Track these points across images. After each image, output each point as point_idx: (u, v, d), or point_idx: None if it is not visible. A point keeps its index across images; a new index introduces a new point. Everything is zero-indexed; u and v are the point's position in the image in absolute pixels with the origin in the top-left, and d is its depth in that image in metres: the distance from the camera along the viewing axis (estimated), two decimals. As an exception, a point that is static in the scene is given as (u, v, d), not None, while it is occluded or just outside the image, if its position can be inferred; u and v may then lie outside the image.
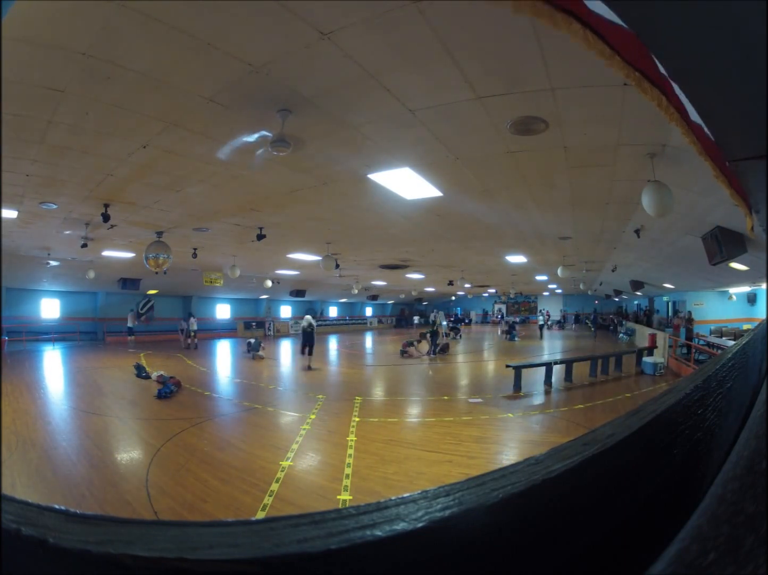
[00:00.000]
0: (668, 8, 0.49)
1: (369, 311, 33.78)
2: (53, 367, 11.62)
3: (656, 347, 11.61)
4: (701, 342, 12.24)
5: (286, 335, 23.63)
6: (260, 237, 7.55)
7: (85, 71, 2.74)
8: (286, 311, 27.09)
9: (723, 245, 5.58)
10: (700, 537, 0.23)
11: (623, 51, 0.78)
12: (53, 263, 11.58)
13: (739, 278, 9.62)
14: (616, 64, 0.77)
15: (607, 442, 0.39)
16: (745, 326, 13.30)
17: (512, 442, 5.32)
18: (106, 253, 10.20)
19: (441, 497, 0.32)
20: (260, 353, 13.47)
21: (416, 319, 29.51)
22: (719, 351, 8.08)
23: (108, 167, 4.54)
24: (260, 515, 3.30)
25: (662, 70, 0.84)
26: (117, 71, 2.75)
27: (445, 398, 7.75)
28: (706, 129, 1.04)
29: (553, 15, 0.67)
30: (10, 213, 6.29)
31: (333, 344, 19.55)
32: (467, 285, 21.09)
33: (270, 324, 23.22)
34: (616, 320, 24.93)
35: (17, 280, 14.05)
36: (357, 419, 6.13)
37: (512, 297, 30.26)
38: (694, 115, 0.99)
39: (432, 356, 13.65)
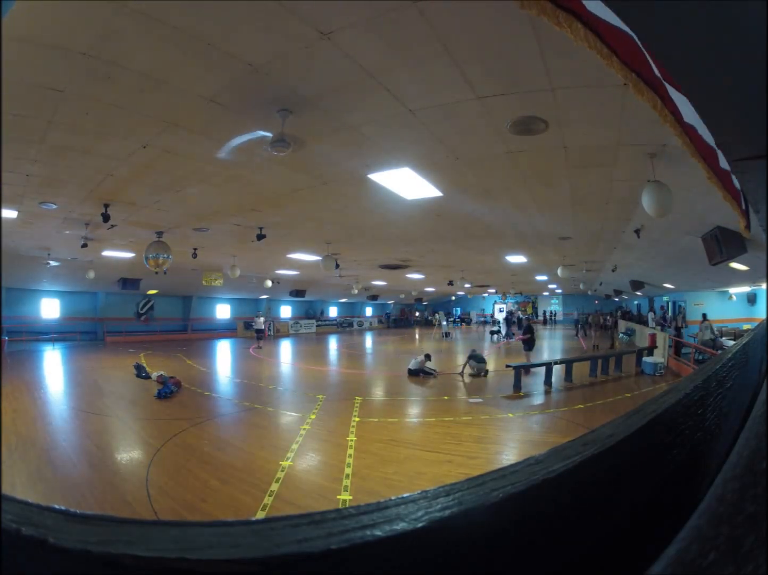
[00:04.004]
0: (668, 8, 0.49)
1: (369, 311, 33.79)
2: (53, 367, 11.62)
3: (656, 347, 11.61)
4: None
5: (286, 335, 23.64)
6: (260, 237, 7.56)
7: (85, 71, 2.74)
8: (286, 311, 27.08)
9: (723, 245, 5.58)
10: (700, 537, 0.23)
11: (621, 52, 0.78)
12: (53, 263, 11.58)
13: (739, 278, 9.62)
14: (614, 64, 0.77)
15: (607, 442, 0.39)
16: (745, 326, 13.29)
17: (512, 442, 5.32)
18: (106, 253, 10.20)
19: (441, 497, 0.32)
20: (483, 365, 9.98)
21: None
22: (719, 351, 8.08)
23: (108, 167, 4.54)
24: (260, 515, 3.30)
25: (657, 73, 0.85)
26: (117, 71, 2.75)
27: (445, 398, 7.75)
28: (700, 132, 1.04)
29: (557, 13, 0.68)
30: (10, 213, 6.29)
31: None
32: (467, 285, 21.10)
33: (270, 324, 23.22)
34: (610, 321, 25.60)
35: (17, 280, 14.06)
36: (357, 419, 6.13)
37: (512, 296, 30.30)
38: (688, 118, 0.99)
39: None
